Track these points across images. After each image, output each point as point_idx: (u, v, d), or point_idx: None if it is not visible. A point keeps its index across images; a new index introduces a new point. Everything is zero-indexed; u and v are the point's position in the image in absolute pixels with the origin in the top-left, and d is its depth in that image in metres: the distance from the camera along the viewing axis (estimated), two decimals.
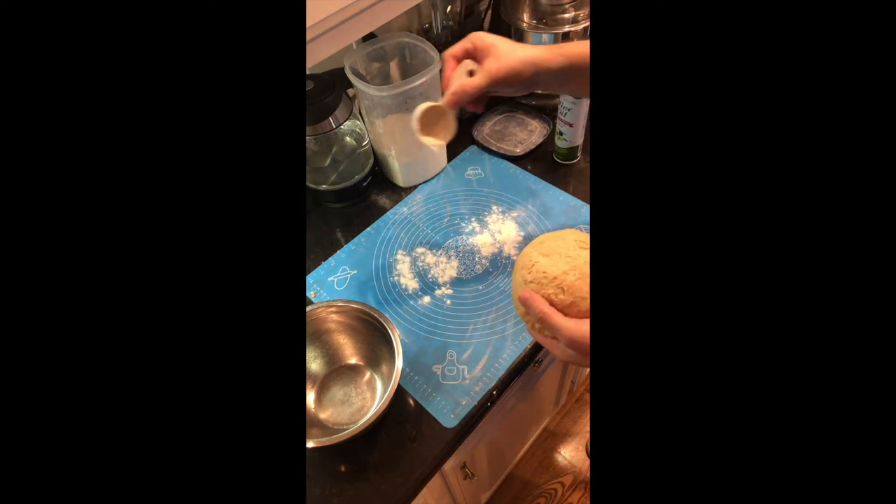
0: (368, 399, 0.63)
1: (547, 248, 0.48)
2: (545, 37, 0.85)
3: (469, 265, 0.74)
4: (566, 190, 0.81)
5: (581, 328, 0.43)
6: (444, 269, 0.74)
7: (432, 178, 0.86)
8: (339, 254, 0.78)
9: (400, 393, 0.62)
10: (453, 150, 0.89)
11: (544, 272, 0.46)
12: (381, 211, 0.83)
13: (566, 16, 0.83)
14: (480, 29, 0.99)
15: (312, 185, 0.82)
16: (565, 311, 0.45)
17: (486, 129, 0.91)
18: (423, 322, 0.69)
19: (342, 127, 0.77)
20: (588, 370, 1.31)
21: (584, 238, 0.49)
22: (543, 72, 0.53)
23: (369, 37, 0.77)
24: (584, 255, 0.47)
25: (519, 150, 0.87)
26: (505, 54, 0.52)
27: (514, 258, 0.74)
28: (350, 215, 0.83)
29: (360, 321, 0.63)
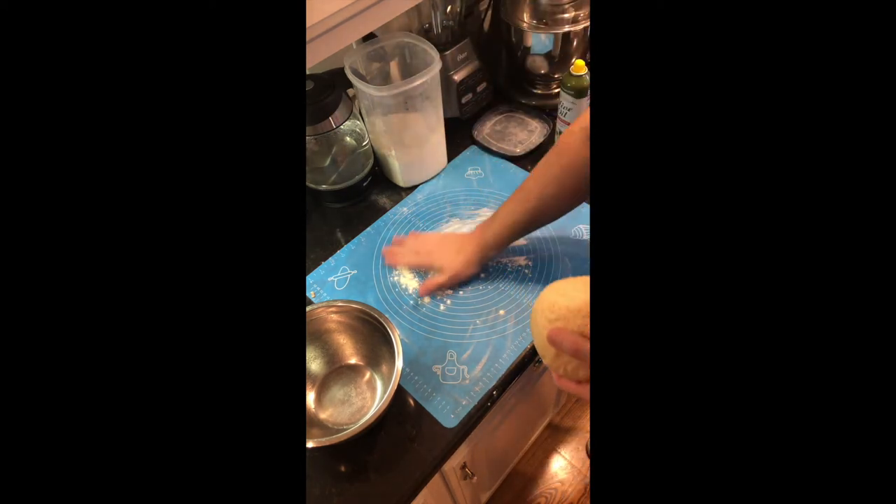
0: (368, 399, 0.63)
1: (561, 289, 0.47)
2: (544, 36, 0.85)
3: None
4: None
5: None
6: None
7: (432, 178, 0.87)
8: (339, 254, 0.78)
9: (400, 393, 0.62)
10: (453, 150, 0.89)
11: (567, 306, 0.44)
12: (381, 211, 0.83)
13: (566, 16, 0.83)
14: (481, 29, 0.99)
15: (312, 185, 0.82)
16: None
17: (486, 129, 0.91)
18: (423, 322, 0.69)
19: (342, 127, 0.77)
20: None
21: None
22: (492, 251, 0.69)
23: (369, 37, 0.77)
24: None
25: (519, 150, 0.87)
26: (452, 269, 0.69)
27: (514, 258, 0.74)
28: (350, 215, 0.83)
29: (360, 321, 0.63)
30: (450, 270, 0.68)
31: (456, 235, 0.74)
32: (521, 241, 0.75)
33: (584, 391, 0.44)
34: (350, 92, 0.83)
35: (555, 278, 0.71)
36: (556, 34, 0.84)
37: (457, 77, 0.86)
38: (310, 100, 0.73)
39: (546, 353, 0.45)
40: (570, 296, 0.45)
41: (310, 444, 0.53)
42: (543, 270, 0.72)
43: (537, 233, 0.76)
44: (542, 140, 0.88)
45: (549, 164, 0.64)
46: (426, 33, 0.87)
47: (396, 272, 0.74)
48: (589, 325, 0.43)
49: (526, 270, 0.72)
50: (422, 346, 0.66)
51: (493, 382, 0.63)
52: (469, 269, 0.69)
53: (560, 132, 0.83)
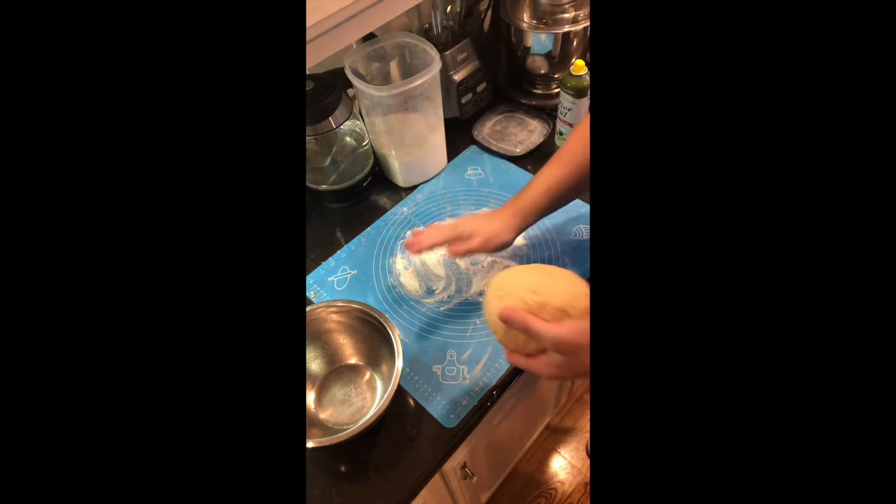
0: (368, 399, 0.63)
1: (511, 272, 0.51)
2: (544, 36, 0.85)
3: (468, 265, 0.74)
4: None
5: (563, 328, 0.43)
6: (444, 268, 0.74)
7: (432, 178, 0.87)
8: (339, 254, 0.78)
9: (400, 393, 0.62)
10: (453, 150, 0.89)
11: (515, 285, 0.48)
12: (381, 211, 0.83)
13: (566, 16, 0.83)
14: (481, 29, 0.99)
15: (312, 185, 0.82)
16: (538, 313, 0.45)
17: (486, 129, 0.91)
18: (423, 322, 0.69)
19: (342, 127, 0.77)
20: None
21: (544, 266, 0.52)
22: (531, 218, 0.62)
23: (369, 37, 0.77)
24: (548, 270, 0.50)
25: (519, 150, 0.87)
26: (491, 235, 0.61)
27: (513, 258, 0.74)
28: (350, 215, 0.83)
29: (360, 321, 0.63)
30: (482, 234, 0.60)
31: (487, 211, 0.66)
32: (522, 242, 0.75)
33: (534, 364, 0.46)
34: (350, 92, 0.83)
35: None
36: (556, 34, 0.84)
37: (457, 77, 0.86)
38: (310, 100, 0.73)
39: (497, 330, 0.49)
40: (519, 276, 0.49)
41: (310, 444, 0.53)
42: None
43: (537, 233, 0.76)
44: (542, 140, 0.88)
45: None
46: (426, 33, 0.87)
47: (396, 272, 0.74)
48: (536, 300, 0.46)
49: None
50: (422, 346, 0.66)
51: (493, 382, 0.63)
52: (503, 234, 0.61)
53: (560, 132, 0.84)
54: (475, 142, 0.90)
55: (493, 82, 0.93)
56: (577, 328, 0.42)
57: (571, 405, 1.43)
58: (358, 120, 0.82)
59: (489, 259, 0.74)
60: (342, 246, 0.79)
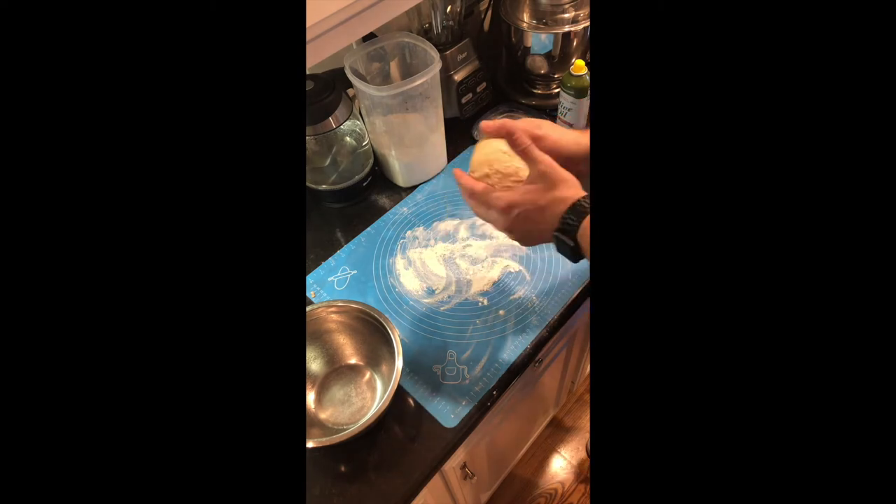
0: (368, 399, 0.63)
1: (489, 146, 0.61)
2: (544, 36, 0.85)
3: (469, 265, 0.74)
4: None
5: (513, 194, 0.52)
6: (444, 268, 0.74)
7: (432, 178, 0.86)
8: (339, 254, 0.78)
9: (400, 393, 0.62)
10: (453, 150, 0.89)
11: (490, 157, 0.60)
12: (381, 211, 0.83)
13: (566, 16, 0.83)
14: (481, 29, 0.99)
15: (312, 185, 0.82)
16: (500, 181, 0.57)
17: None
18: (423, 322, 0.69)
19: (342, 127, 0.77)
20: (588, 370, 1.30)
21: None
22: None
23: (369, 37, 0.77)
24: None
25: None
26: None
27: (513, 258, 0.74)
28: (350, 215, 0.83)
29: (360, 321, 0.63)
30: (556, 130, 0.55)
31: None
32: None
33: (491, 217, 0.55)
34: (350, 92, 0.83)
35: (554, 278, 0.71)
36: (556, 34, 0.84)
37: (457, 77, 0.86)
38: (310, 100, 0.73)
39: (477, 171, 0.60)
40: (495, 154, 0.60)
41: (310, 444, 0.53)
42: (544, 271, 0.72)
43: None
44: None
45: None
46: (426, 33, 0.87)
47: (396, 272, 0.74)
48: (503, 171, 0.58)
49: (525, 271, 0.73)
50: (422, 346, 0.66)
51: (493, 382, 0.62)
52: (580, 145, 0.55)
53: None
54: (475, 142, 0.90)
55: (493, 82, 0.93)
56: (521, 194, 0.51)
57: (572, 405, 1.43)
58: (358, 120, 0.82)
59: (489, 258, 0.74)
60: (342, 246, 0.79)
